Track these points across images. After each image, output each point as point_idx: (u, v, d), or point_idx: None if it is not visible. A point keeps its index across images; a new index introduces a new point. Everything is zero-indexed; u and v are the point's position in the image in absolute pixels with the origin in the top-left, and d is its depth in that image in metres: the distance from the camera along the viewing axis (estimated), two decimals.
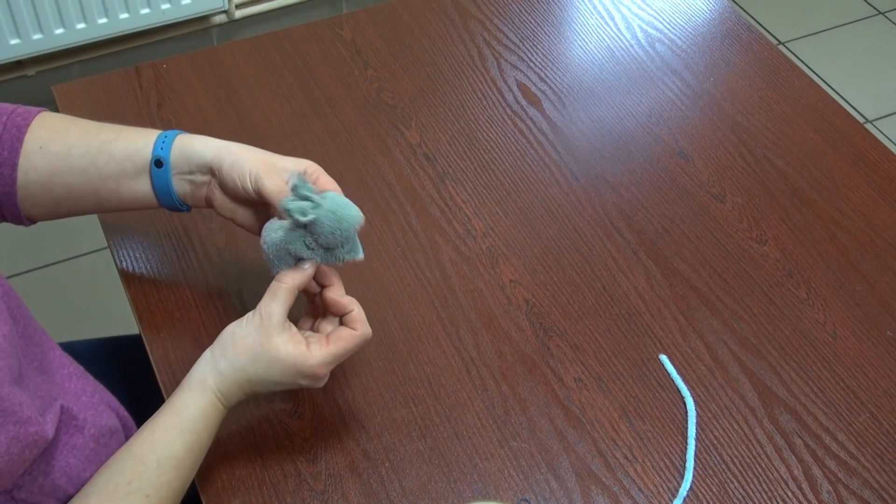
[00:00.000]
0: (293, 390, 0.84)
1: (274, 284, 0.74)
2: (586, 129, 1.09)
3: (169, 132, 0.80)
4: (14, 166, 0.78)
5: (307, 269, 0.74)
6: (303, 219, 0.71)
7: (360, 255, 0.76)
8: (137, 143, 0.80)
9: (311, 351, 0.73)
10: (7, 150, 0.78)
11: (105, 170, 0.79)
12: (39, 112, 0.81)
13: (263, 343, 0.72)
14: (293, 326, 0.74)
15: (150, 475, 0.70)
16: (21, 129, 0.79)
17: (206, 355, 0.74)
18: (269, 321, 0.72)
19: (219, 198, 0.80)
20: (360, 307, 0.76)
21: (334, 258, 0.75)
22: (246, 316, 0.74)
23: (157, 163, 0.79)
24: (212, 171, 0.79)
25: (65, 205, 0.82)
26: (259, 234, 0.78)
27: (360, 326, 0.75)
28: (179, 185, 0.80)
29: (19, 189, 0.79)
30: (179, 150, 0.79)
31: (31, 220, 0.83)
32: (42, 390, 0.71)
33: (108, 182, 0.80)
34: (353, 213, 0.74)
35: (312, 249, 0.74)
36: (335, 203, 0.73)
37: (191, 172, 0.79)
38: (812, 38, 2.55)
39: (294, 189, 0.72)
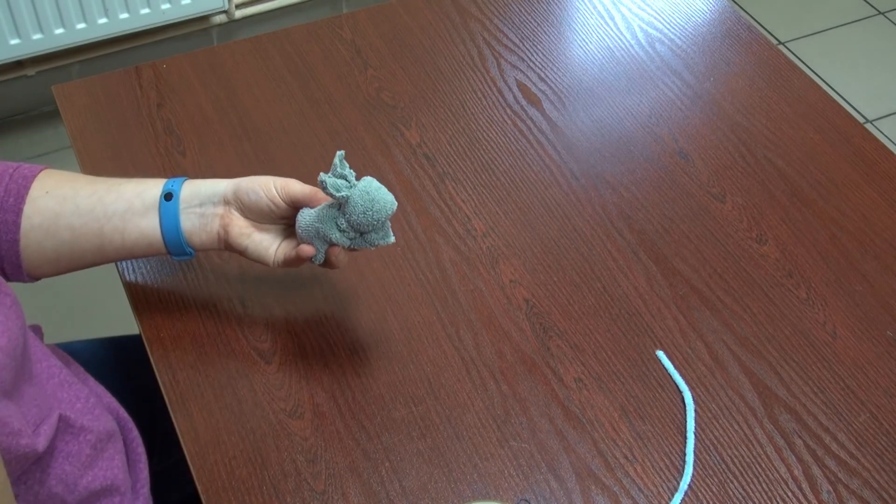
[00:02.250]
0: (293, 391, 0.84)
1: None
2: (586, 129, 1.09)
3: (178, 177, 0.82)
4: (19, 212, 0.78)
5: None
6: (337, 194, 0.74)
7: (391, 240, 0.78)
8: (147, 183, 0.82)
9: None
10: (13, 198, 0.78)
11: (112, 207, 0.80)
12: (44, 169, 0.82)
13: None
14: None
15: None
16: (28, 179, 0.79)
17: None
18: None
19: (237, 223, 0.80)
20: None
21: (366, 243, 0.77)
22: None
23: (168, 196, 0.80)
24: (225, 200, 0.80)
25: (66, 251, 0.80)
26: (271, 261, 0.81)
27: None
28: (188, 219, 0.80)
29: (22, 236, 0.78)
30: (189, 187, 0.81)
31: (31, 276, 0.82)
32: (37, 400, 0.71)
33: (113, 220, 0.80)
34: (387, 197, 0.75)
35: (344, 232, 0.76)
36: (371, 186, 0.75)
37: (201, 205, 0.80)
38: (812, 38, 2.55)
39: (334, 167, 0.74)
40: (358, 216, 0.75)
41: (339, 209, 0.76)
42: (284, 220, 0.82)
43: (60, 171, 0.83)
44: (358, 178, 0.76)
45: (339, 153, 0.75)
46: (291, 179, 0.80)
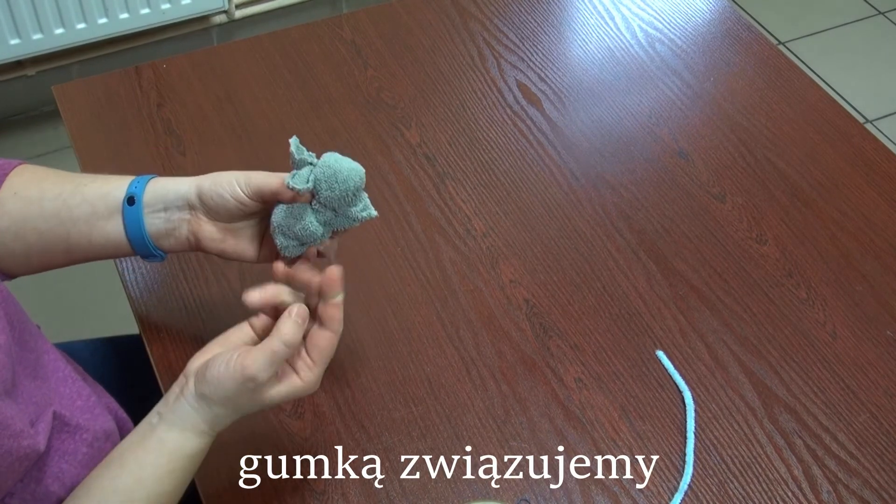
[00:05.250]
0: None
1: (270, 343, 0.67)
2: (586, 129, 1.08)
3: (144, 176, 0.78)
4: None
5: (299, 321, 0.69)
6: (305, 187, 0.70)
7: (373, 213, 0.74)
8: (111, 184, 0.78)
9: (303, 378, 0.69)
10: None
11: (77, 211, 0.77)
12: (19, 164, 0.80)
13: (255, 400, 0.68)
14: (286, 373, 0.70)
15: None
16: None
17: (193, 399, 0.69)
18: (256, 384, 0.67)
19: (206, 229, 0.76)
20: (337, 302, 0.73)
21: (347, 219, 0.74)
22: (226, 361, 0.67)
23: (130, 200, 0.76)
24: (190, 205, 0.76)
25: (35, 253, 0.78)
26: (252, 257, 0.78)
27: (336, 325, 0.71)
28: (152, 224, 0.77)
29: None
30: (153, 189, 0.77)
31: (5, 274, 0.80)
32: (36, 396, 0.71)
33: (79, 224, 0.77)
34: (351, 165, 0.71)
35: (319, 213, 0.73)
36: (331, 158, 0.71)
37: (165, 209, 0.76)
38: (812, 38, 2.55)
39: (291, 156, 0.71)
40: (325, 191, 0.71)
41: (311, 196, 0.72)
42: (257, 215, 0.77)
43: (34, 167, 0.80)
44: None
45: (292, 140, 0.71)
46: (254, 172, 0.74)
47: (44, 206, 0.77)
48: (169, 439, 0.68)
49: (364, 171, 0.72)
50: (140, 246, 0.77)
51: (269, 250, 0.78)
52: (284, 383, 0.69)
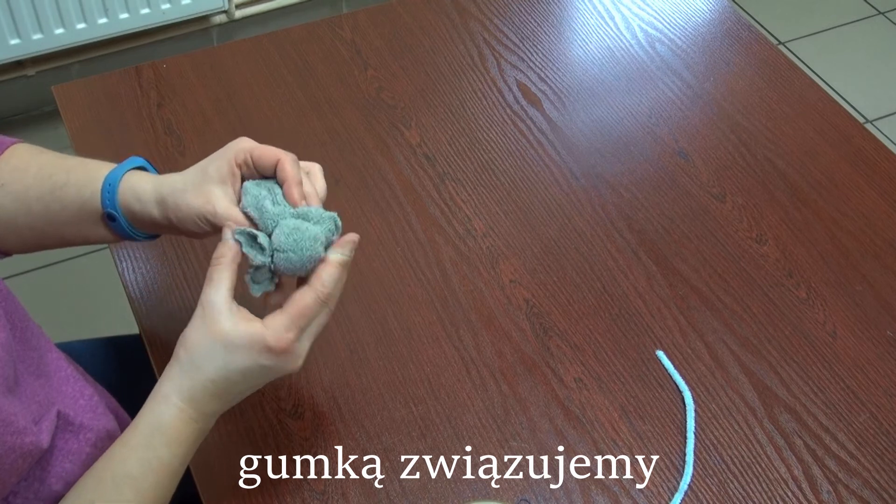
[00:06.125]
0: (293, 391, 0.84)
1: (210, 269, 0.67)
2: (586, 129, 1.08)
3: (111, 176, 0.74)
4: None
5: (231, 243, 0.67)
6: (261, 259, 0.67)
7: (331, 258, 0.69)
8: (84, 193, 0.74)
9: (266, 322, 0.66)
10: None
11: (62, 216, 0.75)
12: (12, 144, 0.78)
13: (213, 332, 0.65)
14: (242, 308, 0.67)
15: (109, 494, 0.65)
16: None
17: (167, 367, 0.67)
18: (212, 308, 0.65)
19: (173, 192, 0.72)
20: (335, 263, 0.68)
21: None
22: (195, 312, 0.67)
23: (110, 217, 0.74)
24: (164, 216, 0.73)
25: (32, 242, 0.78)
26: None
27: (319, 284, 0.67)
28: (141, 227, 0.75)
29: None
30: (127, 208, 0.73)
31: (3, 253, 0.80)
32: (39, 395, 0.71)
33: (68, 226, 0.76)
34: (307, 253, 0.67)
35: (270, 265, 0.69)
36: (291, 239, 0.67)
37: (151, 223, 0.74)
38: (812, 38, 2.55)
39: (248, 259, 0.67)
40: (282, 270, 0.67)
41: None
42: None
43: (25, 151, 0.78)
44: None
45: (250, 188, 0.67)
46: (219, 206, 0.69)
47: (30, 207, 0.76)
48: (139, 413, 0.67)
49: (322, 252, 0.68)
50: (134, 239, 0.77)
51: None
52: (244, 320, 0.66)
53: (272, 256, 0.68)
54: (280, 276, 0.70)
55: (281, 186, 0.70)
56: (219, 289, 0.66)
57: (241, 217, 0.69)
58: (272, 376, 0.68)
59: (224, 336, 0.65)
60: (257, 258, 0.67)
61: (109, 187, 0.73)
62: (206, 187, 0.70)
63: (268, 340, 0.65)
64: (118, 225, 0.74)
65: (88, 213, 0.75)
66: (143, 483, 0.66)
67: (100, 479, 0.66)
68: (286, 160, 0.70)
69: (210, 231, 0.71)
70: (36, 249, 0.80)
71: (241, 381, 0.67)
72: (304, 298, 0.66)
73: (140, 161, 0.76)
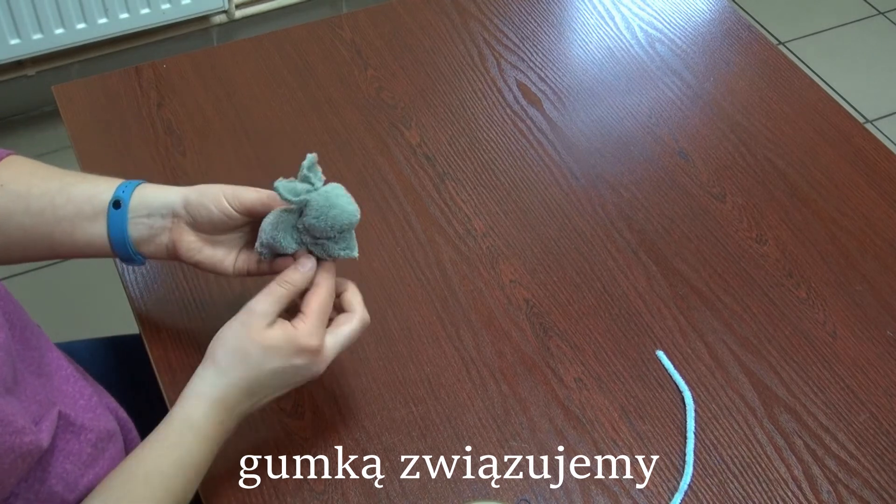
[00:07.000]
0: (293, 391, 0.84)
1: (273, 286, 0.72)
2: (586, 129, 1.09)
3: (132, 181, 0.79)
4: None
5: (307, 270, 0.73)
6: (294, 199, 0.70)
7: (354, 254, 0.75)
8: (99, 186, 0.78)
9: (297, 326, 0.71)
10: None
11: (62, 211, 0.77)
12: (9, 155, 0.80)
13: (252, 337, 0.70)
14: (280, 318, 0.72)
15: (138, 491, 0.67)
16: None
17: (200, 367, 0.71)
18: (256, 318, 0.71)
19: (186, 238, 0.77)
20: (356, 290, 0.76)
21: (324, 252, 0.74)
22: (234, 316, 0.72)
23: (116, 203, 0.77)
24: (174, 213, 0.77)
25: (16, 247, 0.79)
26: (231, 272, 0.78)
27: (326, 281, 0.74)
28: (135, 229, 0.77)
29: None
30: (140, 195, 0.77)
31: None
32: (40, 395, 0.71)
33: (62, 224, 0.77)
34: (349, 207, 0.72)
35: (301, 232, 0.73)
36: (334, 191, 0.72)
37: (149, 216, 0.77)
38: (812, 38, 2.55)
39: (301, 170, 0.71)
40: (311, 218, 0.71)
41: (298, 214, 0.72)
42: (241, 228, 0.78)
43: (23, 160, 0.80)
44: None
45: (310, 156, 0.71)
46: (242, 188, 0.76)
47: (29, 203, 0.77)
48: (172, 412, 0.70)
49: (358, 216, 0.73)
50: (121, 249, 0.78)
51: (243, 264, 0.79)
52: (280, 326, 0.71)
53: (307, 200, 0.71)
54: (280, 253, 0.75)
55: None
56: (273, 304, 0.72)
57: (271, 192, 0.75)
58: (300, 378, 0.73)
59: (262, 339, 0.70)
60: (300, 195, 0.71)
61: (127, 184, 0.78)
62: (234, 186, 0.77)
63: (300, 340, 0.71)
64: (118, 216, 0.76)
65: (92, 207, 0.77)
66: (174, 481, 0.69)
67: (129, 477, 0.68)
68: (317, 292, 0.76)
69: (232, 215, 0.75)
70: (16, 259, 0.80)
71: (271, 380, 0.72)
72: (316, 296, 0.73)
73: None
